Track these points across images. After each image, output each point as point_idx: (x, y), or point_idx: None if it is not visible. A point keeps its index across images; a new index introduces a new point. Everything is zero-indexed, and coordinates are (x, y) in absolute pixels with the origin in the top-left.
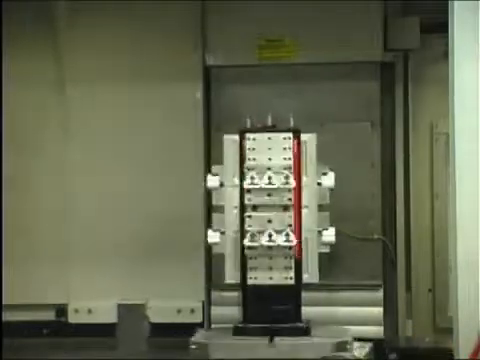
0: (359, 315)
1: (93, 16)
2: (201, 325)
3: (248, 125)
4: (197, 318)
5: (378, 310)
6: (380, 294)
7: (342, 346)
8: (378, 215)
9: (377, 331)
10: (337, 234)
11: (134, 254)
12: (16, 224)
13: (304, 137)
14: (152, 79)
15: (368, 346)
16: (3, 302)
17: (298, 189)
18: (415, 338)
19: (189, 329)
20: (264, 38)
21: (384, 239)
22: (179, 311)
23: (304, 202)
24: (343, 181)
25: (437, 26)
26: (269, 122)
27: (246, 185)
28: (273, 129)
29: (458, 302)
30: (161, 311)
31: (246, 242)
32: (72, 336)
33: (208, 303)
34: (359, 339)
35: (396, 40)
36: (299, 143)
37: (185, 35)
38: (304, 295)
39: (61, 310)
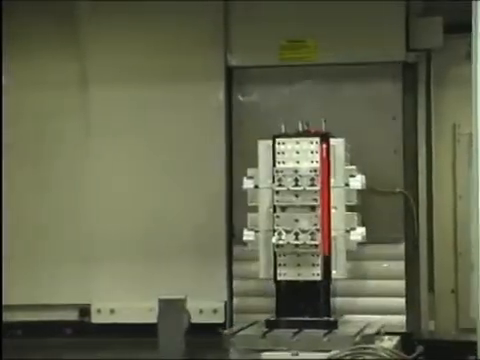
0: (384, 286)
1: (115, 17)
2: (223, 325)
3: (282, 130)
4: (220, 318)
5: (400, 283)
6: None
7: (369, 339)
8: (401, 218)
9: (400, 303)
10: None
11: (156, 254)
12: (38, 225)
13: (333, 142)
14: (174, 79)
15: (396, 339)
16: (27, 302)
17: (327, 191)
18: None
19: (210, 330)
20: (286, 39)
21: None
22: (201, 311)
23: (332, 203)
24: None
25: (460, 26)
26: (300, 127)
27: (275, 187)
28: (302, 134)
29: None
30: None
31: (274, 240)
32: (95, 336)
33: (230, 303)
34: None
35: (419, 40)
36: (328, 147)
37: (207, 36)
38: None
39: (84, 310)
